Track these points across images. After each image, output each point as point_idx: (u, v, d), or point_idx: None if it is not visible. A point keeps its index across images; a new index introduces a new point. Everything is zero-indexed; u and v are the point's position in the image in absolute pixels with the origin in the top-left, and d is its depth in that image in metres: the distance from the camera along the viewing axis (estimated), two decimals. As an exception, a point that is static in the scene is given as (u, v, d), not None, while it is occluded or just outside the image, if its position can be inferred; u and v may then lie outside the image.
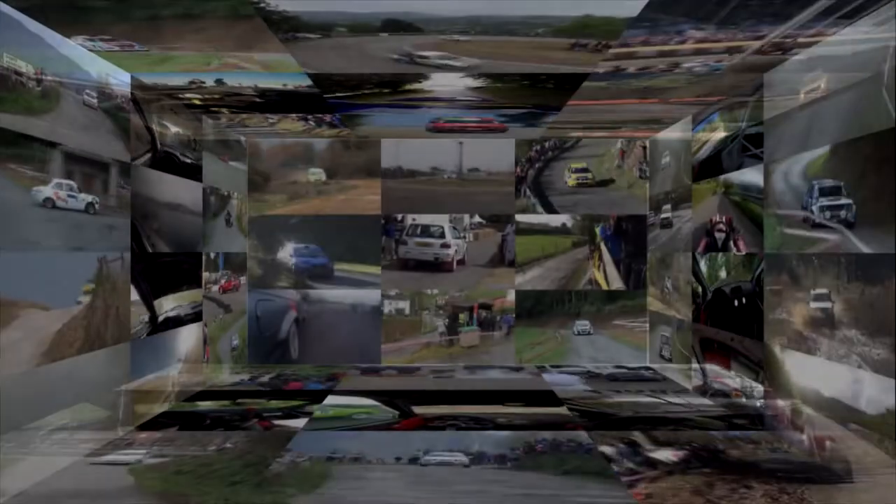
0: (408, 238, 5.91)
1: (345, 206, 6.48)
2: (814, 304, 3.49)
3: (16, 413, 2.92)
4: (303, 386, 5.41)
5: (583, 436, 3.58)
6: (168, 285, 4.69)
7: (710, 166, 4.96)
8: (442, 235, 5.79)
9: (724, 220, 4.74)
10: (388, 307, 6.11)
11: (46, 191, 3.16)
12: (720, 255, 4.78)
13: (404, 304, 6.15)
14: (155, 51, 3.66)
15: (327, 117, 5.41)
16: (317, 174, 6.53)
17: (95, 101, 3.66)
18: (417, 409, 4.62)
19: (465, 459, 3.24)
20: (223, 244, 5.82)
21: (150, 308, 4.39)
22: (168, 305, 4.69)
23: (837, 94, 3.35)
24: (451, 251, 5.80)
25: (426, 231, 5.81)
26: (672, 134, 5.84)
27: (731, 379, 4.55)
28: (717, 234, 4.81)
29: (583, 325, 6.43)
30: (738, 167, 4.47)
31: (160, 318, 4.54)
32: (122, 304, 3.97)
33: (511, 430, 3.87)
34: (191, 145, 5.07)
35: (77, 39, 3.45)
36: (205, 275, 5.39)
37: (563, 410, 4.54)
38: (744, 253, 4.39)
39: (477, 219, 6.36)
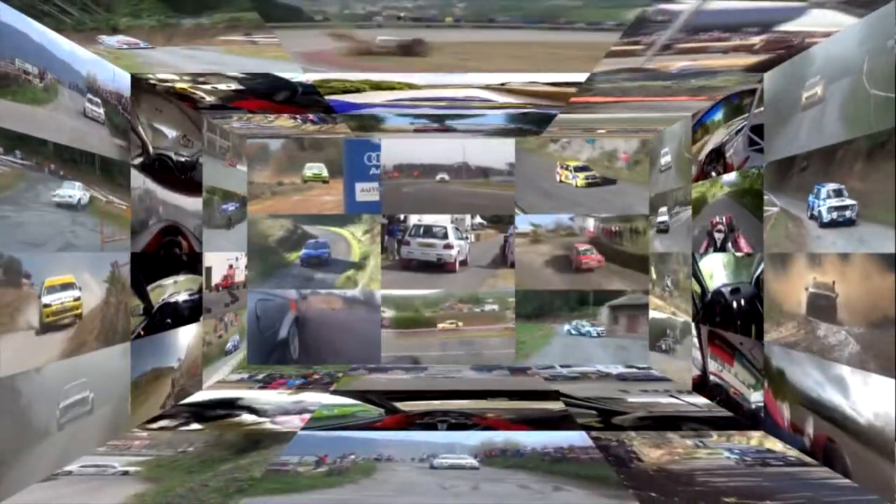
0: (410, 238, 5.88)
1: (302, 206, 6.42)
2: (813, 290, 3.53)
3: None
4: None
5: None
6: (168, 270, 4.73)
7: (712, 164, 4.93)
8: (445, 236, 5.80)
9: (723, 220, 4.72)
10: (488, 307, 6.37)
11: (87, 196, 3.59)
12: (723, 255, 4.76)
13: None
14: (159, 47, 3.66)
15: (311, 115, 5.39)
16: (315, 170, 6.36)
17: (101, 112, 3.76)
18: (408, 406, 4.69)
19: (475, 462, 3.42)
20: (223, 245, 5.83)
21: (145, 298, 4.38)
22: (167, 292, 4.70)
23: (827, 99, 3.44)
24: (453, 252, 5.81)
25: (429, 232, 5.79)
26: (672, 133, 5.83)
27: (732, 377, 4.53)
28: (717, 235, 4.80)
29: (583, 324, 6.38)
30: (744, 162, 4.41)
31: (157, 305, 4.54)
32: (129, 300, 4.12)
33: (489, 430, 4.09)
34: (184, 143, 5.02)
35: (77, 38, 3.47)
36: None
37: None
38: (744, 253, 4.36)
39: (478, 220, 6.34)
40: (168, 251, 4.69)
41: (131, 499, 2.94)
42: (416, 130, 5.98)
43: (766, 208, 4.07)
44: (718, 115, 4.86)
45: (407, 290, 6.33)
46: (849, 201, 3.33)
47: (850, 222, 3.30)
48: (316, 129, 5.90)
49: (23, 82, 2.89)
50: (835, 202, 3.43)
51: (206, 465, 3.43)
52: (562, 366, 6.27)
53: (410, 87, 4.51)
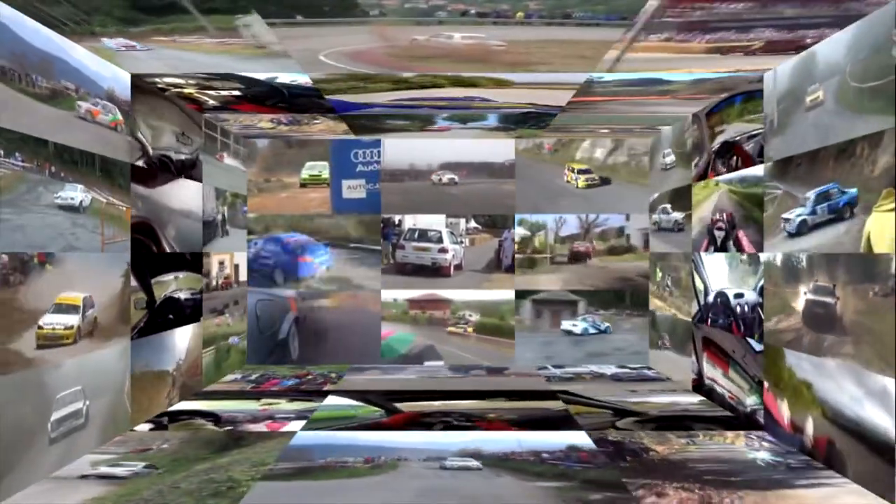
0: (406, 242, 5.86)
1: (286, 205, 6.43)
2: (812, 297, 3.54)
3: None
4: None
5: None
6: (170, 267, 4.75)
7: (722, 157, 4.87)
8: (440, 241, 5.77)
9: (724, 217, 4.65)
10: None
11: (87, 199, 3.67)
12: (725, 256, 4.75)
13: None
14: (157, 49, 3.65)
15: (283, 117, 5.43)
16: (315, 170, 6.30)
17: (119, 118, 3.99)
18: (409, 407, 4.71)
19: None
20: (223, 245, 5.84)
21: (149, 291, 4.40)
22: (169, 287, 4.72)
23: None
24: (448, 256, 5.79)
25: (424, 236, 5.76)
26: (672, 133, 5.83)
27: (727, 380, 4.53)
28: (717, 233, 4.74)
29: (576, 322, 6.35)
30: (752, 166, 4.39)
31: (159, 301, 4.56)
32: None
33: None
34: (183, 141, 4.99)
35: (78, 39, 3.49)
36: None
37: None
38: (747, 254, 4.33)
39: (472, 224, 6.30)
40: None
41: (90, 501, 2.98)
42: (421, 129, 5.99)
43: (767, 191, 4.05)
44: (735, 107, 4.66)
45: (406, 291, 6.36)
46: (798, 212, 3.51)
47: (789, 234, 3.60)
48: (288, 129, 5.93)
49: (66, 96, 3.52)
50: (789, 214, 3.62)
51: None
52: (554, 366, 6.27)
53: (499, 83, 4.38)
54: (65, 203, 3.42)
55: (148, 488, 3.13)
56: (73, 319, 3.42)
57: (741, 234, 4.40)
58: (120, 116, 3.98)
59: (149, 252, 4.44)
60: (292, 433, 4.04)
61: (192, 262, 5.16)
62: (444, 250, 5.58)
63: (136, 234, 4.23)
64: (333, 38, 3.47)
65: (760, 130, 4.21)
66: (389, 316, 6.23)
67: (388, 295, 6.40)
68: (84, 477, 3.27)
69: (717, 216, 4.77)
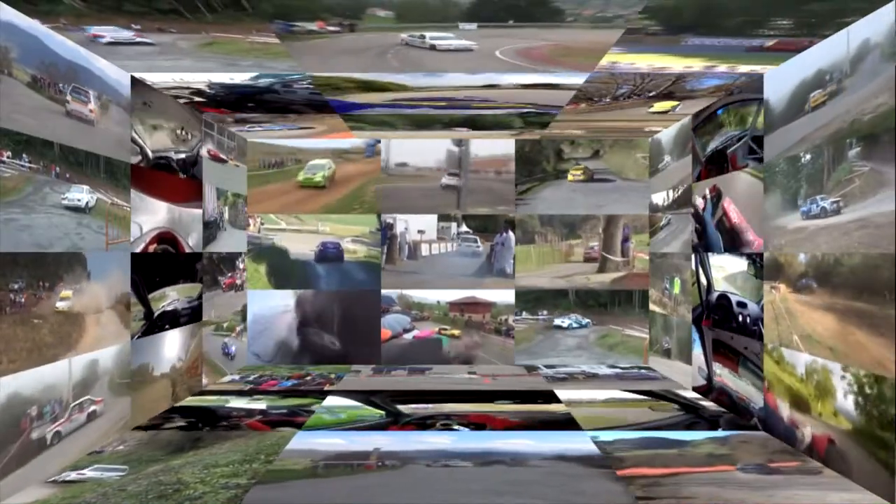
0: (460, 241, 6.88)
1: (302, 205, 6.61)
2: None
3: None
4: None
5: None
6: (168, 277, 4.76)
7: (713, 165, 4.96)
8: (476, 241, 6.69)
9: (707, 192, 4.63)
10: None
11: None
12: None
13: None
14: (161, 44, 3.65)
15: (283, 118, 5.55)
16: (310, 172, 6.53)
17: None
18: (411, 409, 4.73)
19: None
20: (221, 245, 5.84)
21: (146, 304, 4.41)
22: (168, 298, 4.73)
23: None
24: (481, 249, 6.71)
25: (466, 238, 6.71)
26: (672, 133, 5.86)
27: (736, 381, 4.55)
28: (700, 202, 4.70)
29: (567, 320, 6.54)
30: (743, 167, 4.41)
31: (157, 312, 4.57)
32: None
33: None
34: (183, 137, 4.98)
35: (78, 37, 3.48)
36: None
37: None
38: (753, 251, 4.33)
39: (463, 227, 6.70)
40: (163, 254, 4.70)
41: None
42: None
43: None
44: (722, 114, 4.76)
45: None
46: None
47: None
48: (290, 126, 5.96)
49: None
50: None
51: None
52: (546, 366, 6.32)
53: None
54: (71, 204, 3.46)
55: (93, 491, 3.05)
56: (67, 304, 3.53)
57: (727, 203, 4.31)
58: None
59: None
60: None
61: (189, 268, 5.15)
62: (478, 245, 6.75)
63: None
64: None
65: (745, 133, 4.30)
66: (432, 317, 6.67)
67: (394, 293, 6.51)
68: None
69: (705, 192, 4.80)
